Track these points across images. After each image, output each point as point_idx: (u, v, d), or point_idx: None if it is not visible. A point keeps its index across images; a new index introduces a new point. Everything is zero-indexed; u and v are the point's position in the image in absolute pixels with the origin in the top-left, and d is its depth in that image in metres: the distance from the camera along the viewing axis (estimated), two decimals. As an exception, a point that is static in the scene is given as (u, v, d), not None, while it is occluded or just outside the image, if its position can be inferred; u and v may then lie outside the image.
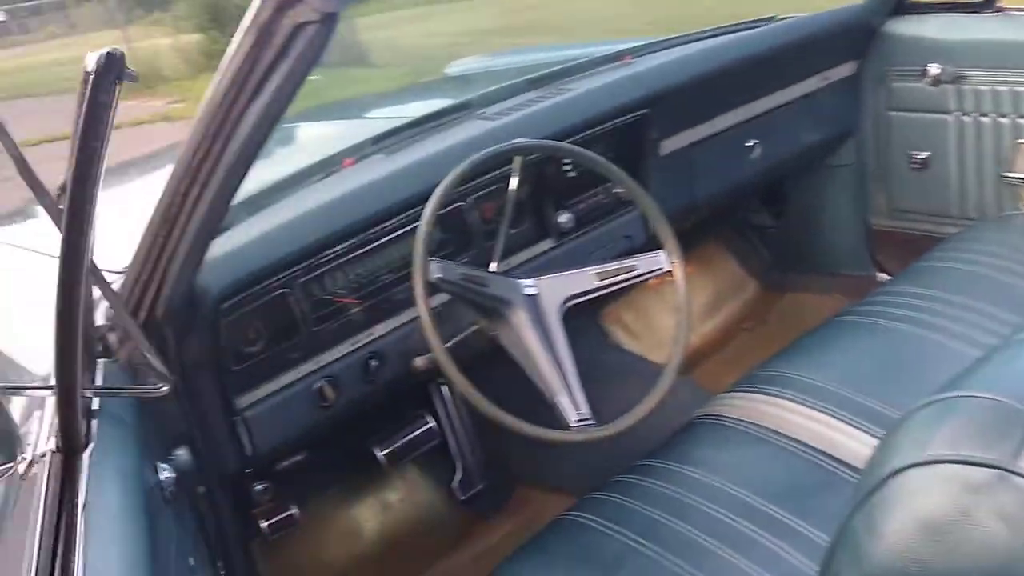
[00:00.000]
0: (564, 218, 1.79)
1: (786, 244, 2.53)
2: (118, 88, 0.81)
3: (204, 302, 1.29)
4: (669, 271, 1.46)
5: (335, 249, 1.48)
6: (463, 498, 1.98)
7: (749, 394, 1.51)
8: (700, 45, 2.04)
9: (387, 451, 1.83)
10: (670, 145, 1.92)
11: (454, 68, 2.88)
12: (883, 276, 2.38)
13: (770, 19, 2.23)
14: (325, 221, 1.46)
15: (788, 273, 2.54)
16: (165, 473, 1.10)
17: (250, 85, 0.98)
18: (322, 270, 1.50)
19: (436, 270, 1.30)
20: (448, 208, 1.61)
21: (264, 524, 1.66)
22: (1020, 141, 1.97)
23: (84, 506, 0.90)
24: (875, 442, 0.78)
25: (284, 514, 1.68)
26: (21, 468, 1.00)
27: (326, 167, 1.68)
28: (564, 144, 1.54)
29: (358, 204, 1.51)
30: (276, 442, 1.48)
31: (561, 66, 2.01)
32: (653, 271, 1.45)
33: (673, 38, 2.15)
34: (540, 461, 1.93)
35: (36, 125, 11.02)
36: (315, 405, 1.50)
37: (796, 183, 2.42)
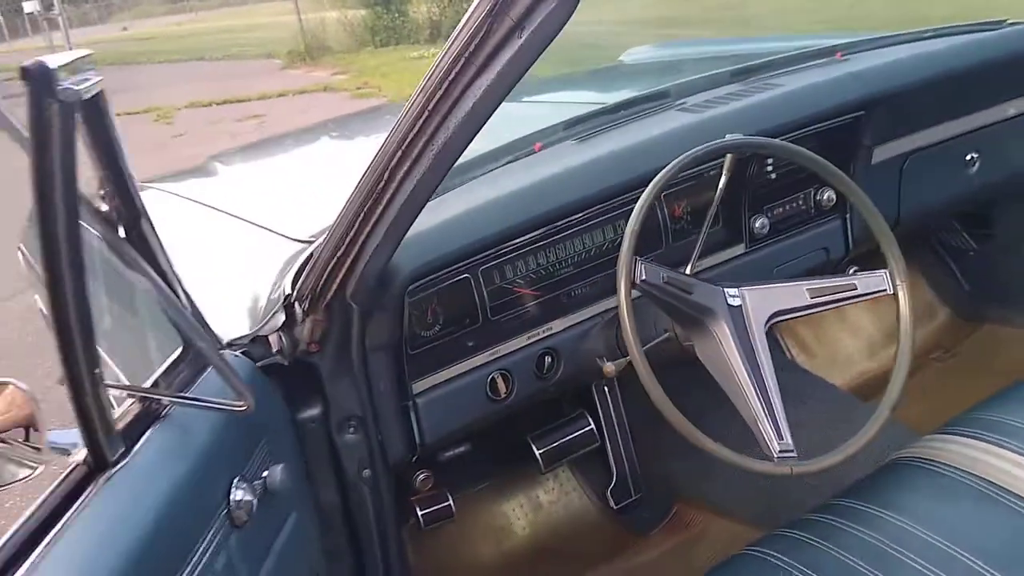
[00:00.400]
0: (759, 223, 1.66)
1: (987, 271, 2.31)
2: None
3: (395, 282, 1.23)
4: (891, 294, 1.31)
5: (524, 238, 1.41)
6: (617, 507, 1.88)
7: (964, 439, 1.35)
8: (920, 46, 1.86)
9: (545, 450, 1.75)
10: (882, 153, 1.75)
11: (631, 56, 2.77)
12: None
13: (1000, 23, 2.02)
14: (519, 208, 1.39)
15: (987, 303, 2.32)
16: (241, 494, 1.01)
17: (479, 58, 0.91)
18: (505, 258, 1.43)
19: (641, 271, 1.20)
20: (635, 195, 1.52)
21: (421, 512, 1.61)
22: None
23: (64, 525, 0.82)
24: None
25: (441, 505, 1.63)
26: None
27: (516, 150, 1.60)
28: (802, 150, 1.41)
29: (553, 193, 1.43)
30: (445, 431, 1.42)
31: (765, 59, 1.87)
32: (874, 293, 1.31)
33: (888, 36, 1.97)
34: (706, 478, 1.81)
35: (209, 86, 11.52)
36: (486, 397, 1.44)
37: (1008, 206, 2.19)
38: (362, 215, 1.08)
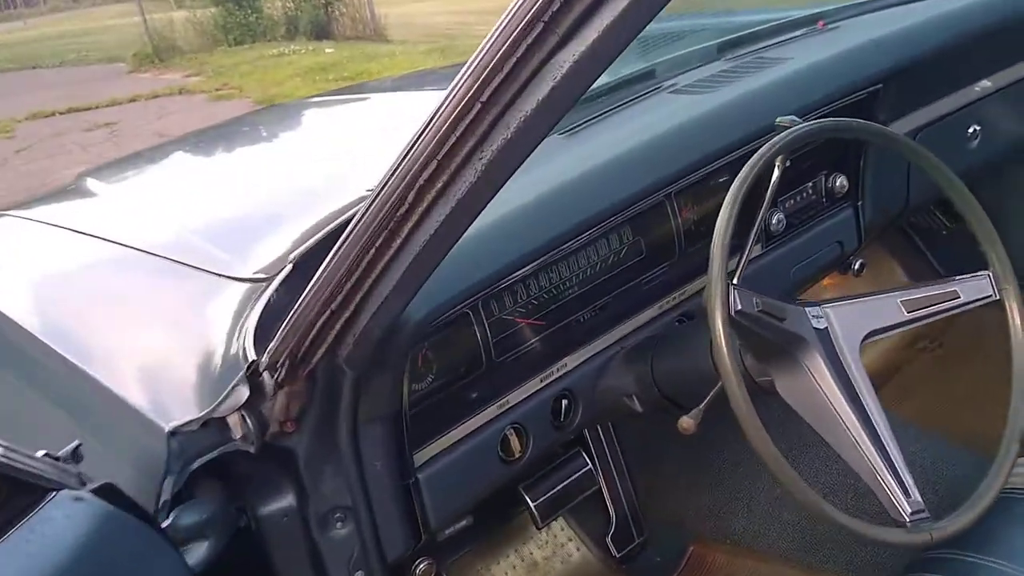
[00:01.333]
0: (776, 218, 1.44)
1: (961, 253, 2.16)
2: None
3: (401, 335, 0.93)
4: (996, 300, 1.10)
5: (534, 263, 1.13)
6: (620, 555, 1.62)
7: None
8: (922, 8, 1.67)
9: (540, 501, 1.46)
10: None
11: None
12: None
13: None
14: (533, 229, 1.11)
15: None
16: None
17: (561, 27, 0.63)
18: (504, 284, 1.15)
19: (736, 300, 0.94)
20: (648, 205, 1.26)
21: None
22: None
23: None
24: None
25: None
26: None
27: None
28: (898, 134, 1.18)
29: (568, 207, 1.16)
30: (453, 509, 1.13)
31: (751, 30, 1.65)
32: (979, 300, 1.10)
33: (870, 1, 1.78)
34: (723, 513, 1.58)
35: (50, 95, 10.66)
36: (499, 460, 1.16)
37: (984, 182, 2.05)
38: (371, 253, 0.78)
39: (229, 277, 1.12)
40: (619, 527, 1.62)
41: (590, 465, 1.52)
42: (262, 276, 1.07)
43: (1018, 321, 1.08)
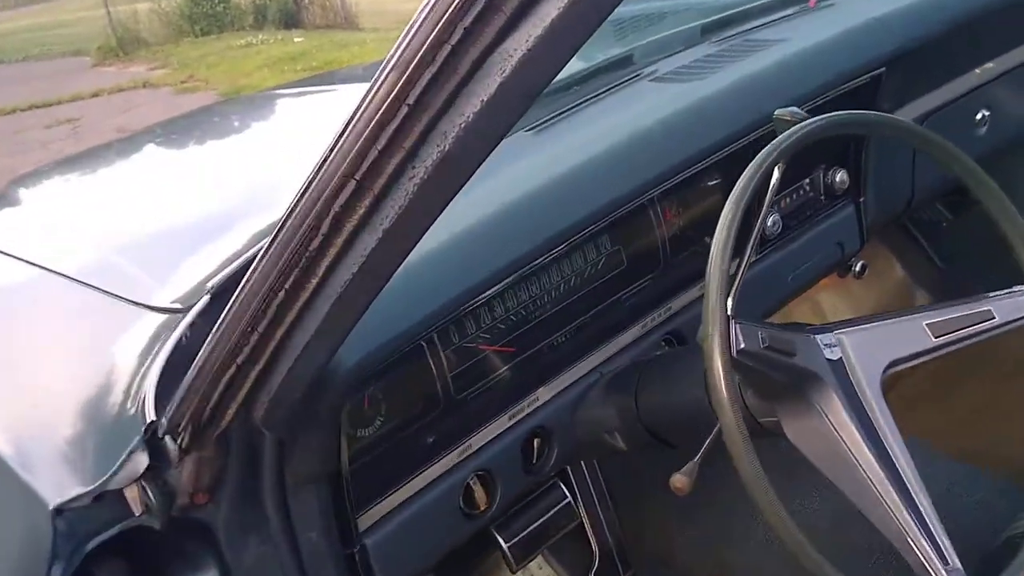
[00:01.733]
0: (771, 220, 1.28)
1: (965, 244, 2.02)
2: None
3: (331, 387, 0.77)
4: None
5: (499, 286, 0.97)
6: None
7: None
8: None
9: (515, 541, 1.30)
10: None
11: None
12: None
13: None
14: (494, 249, 0.96)
15: (962, 280, 2.03)
16: None
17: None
18: (467, 308, 0.98)
19: (739, 337, 0.78)
20: (628, 211, 1.11)
21: None
22: None
23: None
24: None
25: None
26: None
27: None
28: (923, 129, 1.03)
29: (534, 221, 1.00)
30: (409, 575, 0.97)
31: (737, 9, 1.49)
32: (1017, 321, 0.94)
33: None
34: (718, 544, 1.42)
35: (10, 91, 10.37)
36: (460, 514, 1.00)
37: (990, 168, 1.91)
38: (280, 295, 0.61)
39: (144, 306, 0.95)
40: (603, 564, 1.46)
41: (569, 498, 1.36)
42: (179, 307, 0.91)
43: None
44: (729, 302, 0.82)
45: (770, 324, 0.86)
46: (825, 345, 0.86)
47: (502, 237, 0.97)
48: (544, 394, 1.07)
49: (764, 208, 0.96)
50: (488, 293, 0.97)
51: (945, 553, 0.78)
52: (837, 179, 1.36)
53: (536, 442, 1.06)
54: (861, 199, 1.41)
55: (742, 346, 0.78)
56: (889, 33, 1.30)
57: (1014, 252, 0.97)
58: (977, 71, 1.54)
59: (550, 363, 1.08)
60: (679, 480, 0.86)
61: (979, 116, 1.55)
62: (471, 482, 1.00)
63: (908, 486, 0.80)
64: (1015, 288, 0.95)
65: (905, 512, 0.79)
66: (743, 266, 0.94)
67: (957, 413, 1.72)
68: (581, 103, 1.24)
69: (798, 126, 0.89)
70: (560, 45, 0.48)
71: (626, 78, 1.30)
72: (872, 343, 0.88)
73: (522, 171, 1.07)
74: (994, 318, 0.92)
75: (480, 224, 0.95)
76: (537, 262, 1.02)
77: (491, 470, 1.01)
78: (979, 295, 0.95)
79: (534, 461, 1.06)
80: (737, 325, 0.79)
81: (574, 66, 1.43)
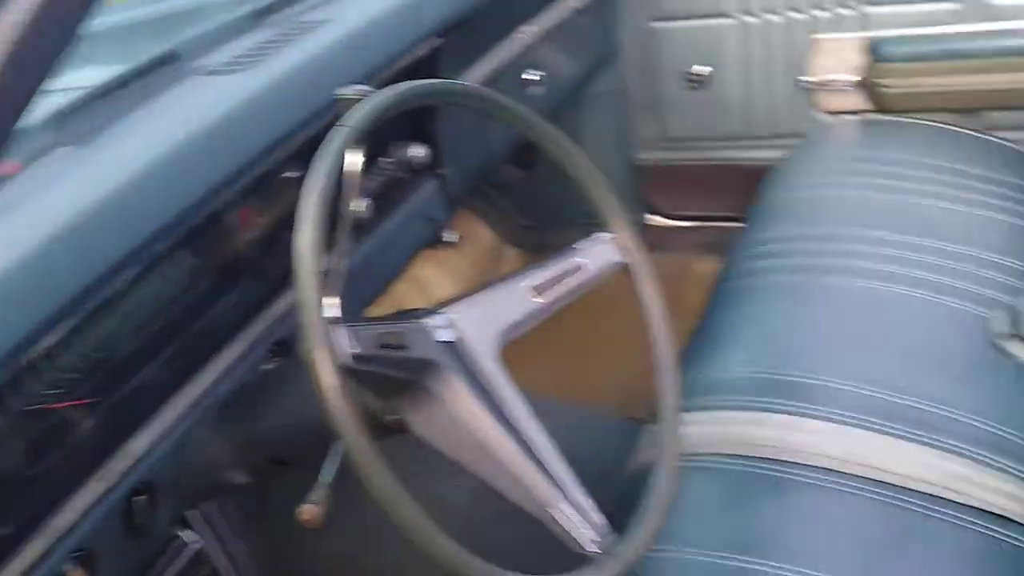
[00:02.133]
0: (364, 204, 1.23)
1: (539, 198, 2.15)
2: None
3: None
4: (624, 264, 0.98)
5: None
6: None
7: (713, 412, 1.10)
8: None
9: None
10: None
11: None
12: (657, 219, 2.11)
13: None
14: (34, 293, 0.78)
15: (545, 232, 2.17)
16: None
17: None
18: (16, 364, 0.82)
19: (353, 340, 0.70)
20: (202, 217, 1.00)
21: None
22: (816, 36, 1.71)
23: None
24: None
25: None
26: None
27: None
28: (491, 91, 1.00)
29: (81, 252, 0.84)
30: None
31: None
32: (607, 267, 0.97)
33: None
34: (363, 555, 1.37)
35: None
36: None
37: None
38: None
39: None
40: None
41: (198, 540, 1.22)
42: None
43: (650, 287, 0.97)
44: (331, 303, 0.75)
45: (378, 319, 0.81)
46: (437, 328, 0.83)
47: (49, 276, 0.81)
48: (139, 446, 0.92)
49: (351, 194, 0.90)
50: (44, 343, 0.81)
51: (583, 509, 0.78)
52: (418, 154, 1.35)
53: (142, 500, 0.91)
54: (442, 171, 1.41)
55: (357, 350, 0.72)
56: (442, 1, 1.30)
57: (590, 198, 1.01)
58: (521, 34, 1.61)
59: (142, 407, 0.94)
60: (308, 512, 0.78)
61: (528, 77, 1.63)
62: (67, 569, 0.84)
63: (542, 456, 0.80)
64: (597, 235, 0.99)
65: (545, 483, 0.78)
66: (343, 259, 0.88)
67: (565, 359, 1.82)
68: (126, 108, 1.09)
69: (361, 103, 0.84)
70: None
71: (175, 75, 1.17)
72: (482, 317, 0.86)
73: (67, 196, 0.90)
74: (587, 270, 0.95)
75: (17, 267, 0.79)
76: (99, 295, 0.87)
77: (89, 547, 0.85)
78: (568, 248, 0.98)
79: (142, 524, 0.92)
80: (345, 329, 0.72)
81: (112, 69, 1.26)
